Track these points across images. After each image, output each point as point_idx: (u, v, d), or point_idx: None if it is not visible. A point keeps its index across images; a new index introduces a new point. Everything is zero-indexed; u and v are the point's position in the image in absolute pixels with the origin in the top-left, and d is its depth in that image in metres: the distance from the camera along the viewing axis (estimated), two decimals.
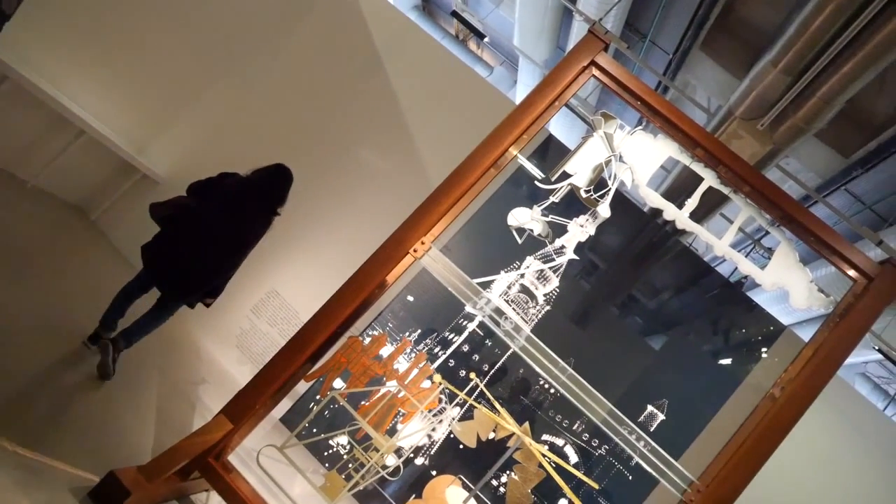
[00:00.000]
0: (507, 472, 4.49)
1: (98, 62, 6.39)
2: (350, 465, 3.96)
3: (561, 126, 12.31)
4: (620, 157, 3.92)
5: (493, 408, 4.06)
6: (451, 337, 5.29)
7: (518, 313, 4.44)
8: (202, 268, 4.09)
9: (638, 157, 3.89)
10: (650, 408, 6.01)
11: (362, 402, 3.67)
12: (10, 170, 5.94)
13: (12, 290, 4.04)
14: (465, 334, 5.05)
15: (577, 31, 9.43)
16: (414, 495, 4.03)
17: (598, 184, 3.99)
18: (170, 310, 4.21)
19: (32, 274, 4.58)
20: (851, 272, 3.67)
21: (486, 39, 13.52)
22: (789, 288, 3.72)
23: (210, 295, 4.29)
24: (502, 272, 4.58)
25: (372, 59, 7.23)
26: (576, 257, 4.50)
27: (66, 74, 6.05)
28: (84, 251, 6.14)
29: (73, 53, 6.13)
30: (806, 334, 6.89)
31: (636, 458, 3.59)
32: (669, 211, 3.88)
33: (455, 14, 12.58)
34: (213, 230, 4.07)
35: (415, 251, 3.57)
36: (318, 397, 5.75)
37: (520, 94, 13.12)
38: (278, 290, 6.55)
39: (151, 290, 4.20)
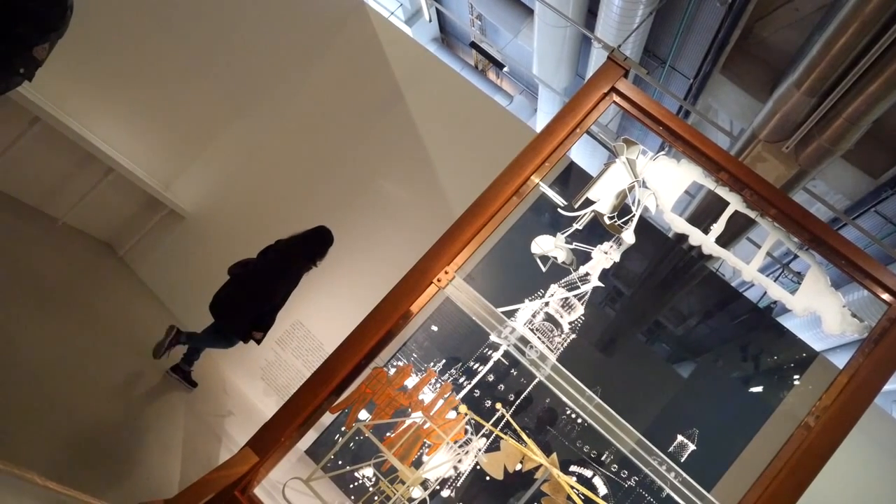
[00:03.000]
0: None
1: (125, 101, 6.55)
2: (376, 498, 3.91)
3: (582, 153, 12.32)
4: (644, 182, 3.89)
5: (519, 439, 3.99)
6: (475, 367, 5.24)
7: (543, 342, 4.38)
8: (245, 301, 5.10)
9: (661, 183, 3.86)
10: (680, 437, 5.87)
11: (388, 434, 3.63)
12: (42, 208, 6.08)
13: (42, 325, 4.10)
14: (490, 364, 5.00)
15: (596, 58, 9.49)
16: None
17: (622, 210, 3.96)
18: (226, 338, 5.18)
19: (62, 309, 4.65)
20: (885, 296, 3.57)
21: (505, 69, 13.65)
22: (821, 313, 3.62)
23: (257, 329, 5.16)
24: (526, 301, 4.53)
25: (393, 91, 7.32)
26: (601, 285, 4.45)
27: (94, 114, 6.21)
28: (113, 286, 6.23)
29: (100, 94, 6.29)
30: (839, 360, 6.72)
31: (667, 490, 3.50)
32: (695, 236, 3.82)
33: (474, 45, 12.73)
34: (260, 278, 5.15)
35: (438, 281, 3.56)
36: (343, 429, 5.72)
37: (540, 122, 13.18)
38: (303, 322, 6.57)
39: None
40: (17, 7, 3.08)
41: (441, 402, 3.64)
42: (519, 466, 3.86)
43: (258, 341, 5.23)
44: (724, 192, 3.80)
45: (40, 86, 4.53)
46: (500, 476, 3.85)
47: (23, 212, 5.79)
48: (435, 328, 6.17)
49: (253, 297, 5.11)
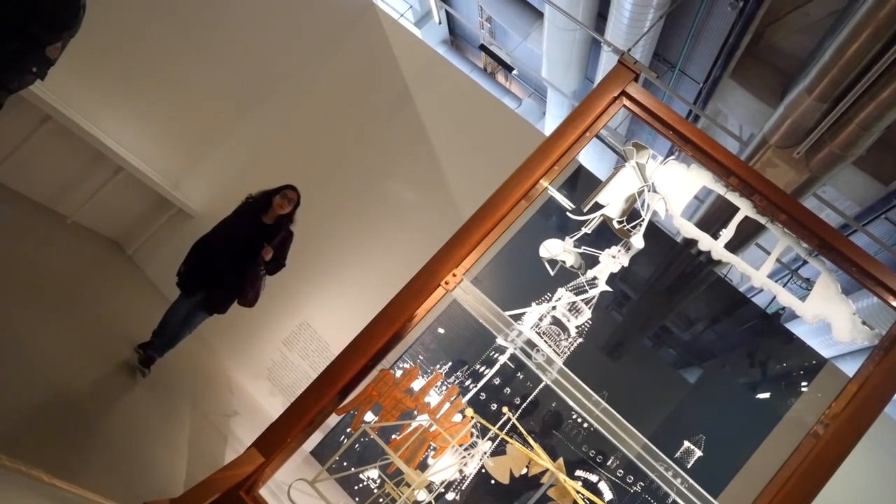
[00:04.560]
0: None
1: (136, 101, 6.57)
2: (381, 500, 3.91)
3: (591, 156, 12.29)
4: (653, 187, 3.88)
5: (526, 443, 3.98)
6: (482, 370, 5.23)
7: (550, 346, 4.37)
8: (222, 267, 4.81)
9: (671, 187, 3.84)
10: (686, 443, 5.84)
11: (393, 436, 3.63)
12: (52, 206, 6.11)
13: (51, 322, 4.12)
14: (497, 367, 4.99)
15: (606, 61, 9.47)
16: None
17: (631, 214, 3.94)
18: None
19: (70, 307, 4.67)
20: None
21: (514, 72, 13.64)
22: (831, 320, 3.60)
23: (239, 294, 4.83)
24: (534, 304, 4.52)
25: (402, 93, 7.33)
26: (608, 289, 4.44)
27: (104, 113, 6.23)
28: (121, 285, 6.25)
29: (111, 93, 6.32)
30: (848, 368, 6.68)
31: (673, 496, 3.48)
32: (704, 241, 3.81)
33: (483, 47, 12.72)
34: (231, 242, 4.88)
35: (446, 283, 3.55)
36: (348, 430, 5.71)
37: (549, 126, 13.16)
38: (309, 323, 6.57)
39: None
40: (30, 6, 3.10)
41: (447, 404, 3.64)
42: (525, 471, 3.85)
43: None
44: (733, 198, 3.79)
45: (52, 84, 4.55)
46: (505, 480, 3.84)
47: (32, 209, 5.82)
48: (442, 331, 6.16)
49: (235, 264, 4.91)
